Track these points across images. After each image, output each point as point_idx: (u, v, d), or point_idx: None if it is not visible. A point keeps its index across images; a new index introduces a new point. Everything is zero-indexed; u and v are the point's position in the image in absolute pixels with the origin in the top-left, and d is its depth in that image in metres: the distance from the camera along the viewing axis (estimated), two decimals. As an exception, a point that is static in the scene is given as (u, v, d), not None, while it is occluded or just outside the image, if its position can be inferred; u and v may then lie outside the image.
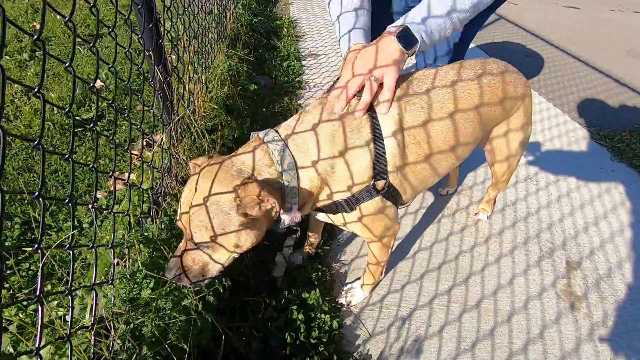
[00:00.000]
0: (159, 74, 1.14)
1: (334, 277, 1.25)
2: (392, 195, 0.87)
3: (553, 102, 2.62)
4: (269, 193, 0.72)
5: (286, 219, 0.81)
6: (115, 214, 0.86)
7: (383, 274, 1.16)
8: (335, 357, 1.00)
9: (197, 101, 1.46)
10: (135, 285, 0.77)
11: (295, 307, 1.05)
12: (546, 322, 1.18)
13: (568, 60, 3.48)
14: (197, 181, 0.75)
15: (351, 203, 0.84)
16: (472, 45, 3.46)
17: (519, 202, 1.66)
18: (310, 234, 1.27)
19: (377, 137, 0.82)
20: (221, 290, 0.95)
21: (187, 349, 0.80)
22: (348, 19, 1.01)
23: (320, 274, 1.20)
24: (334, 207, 0.86)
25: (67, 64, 0.65)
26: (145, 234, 0.88)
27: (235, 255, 0.80)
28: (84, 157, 1.65)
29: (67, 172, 1.53)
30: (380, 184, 0.84)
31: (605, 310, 1.23)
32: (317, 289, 1.10)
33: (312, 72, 2.65)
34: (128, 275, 0.78)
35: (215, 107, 1.53)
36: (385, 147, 0.82)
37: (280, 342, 0.99)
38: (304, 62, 2.77)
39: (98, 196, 1.34)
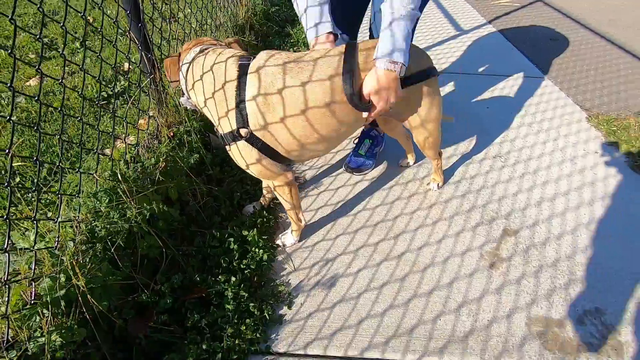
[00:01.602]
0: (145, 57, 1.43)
1: (279, 224, 1.48)
2: (260, 145, 1.07)
3: (560, 85, 2.55)
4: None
5: (183, 100, 1.20)
6: (102, 156, 1.17)
7: (302, 221, 1.35)
8: (258, 280, 1.23)
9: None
10: (97, 201, 1.07)
11: (233, 239, 1.30)
12: (459, 275, 1.30)
13: (600, 44, 3.29)
14: None
15: (225, 139, 1.09)
16: (493, 29, 3.41)
17: (478, 177, 1.74)
18: (264, 190, 1.50)
19: (239, 101, 1.03)
20: (172, 216, 1.23)
21: (133, 253, 1.09)
22: (314, 12, 1.19)
23: (265, 220, 1.43)
24: (220, 138, 1.12)
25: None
26: (115, 170, 1.18)
27: None
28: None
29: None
30: (243, 131, 1.05)
31: (524, 272, 1.31)
32: (256, 229, 1.34)
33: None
34: (92, 194, 1.08)
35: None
36: (247, 105, 1.03)
37: (216, 264, 1.24)
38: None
39: (107, 152, 1.69)
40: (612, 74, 2.77)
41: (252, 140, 1.07)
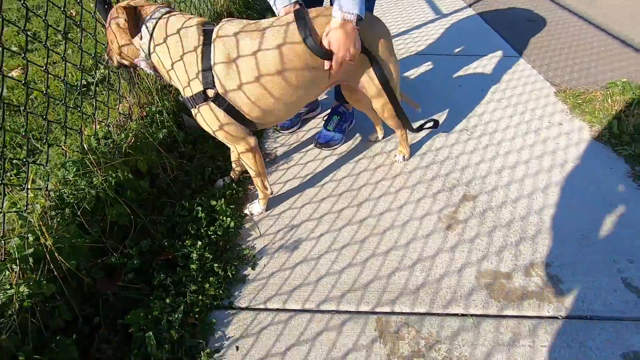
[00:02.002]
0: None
1: (248, 196, 1.55)
2: (226, 106, 1.13)
3: (533, 63, 2.61)
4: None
5: (142, 63, 1.18)
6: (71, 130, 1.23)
7: (268, 189, 1.41)
8: (224, 244, 1.30)
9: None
10: (66, 171, 1.14)
11: (201, 208, 1.36)
12: (416, 237, 1.37)
13: (577, 24, 3.33)
14: None
15: (192, 102, 1.13)
16: (472, 13, 3.46)
17: (444, 149, 1.80)
18: (234, 164, 1.57)
19: (205, 64, 1.09)
20: (141, 187, 1.30)
21: (102, 220, 1.16)
22: None
23: (234, 192, 1.50)
24: (187, 101, 1.16)
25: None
26: (84, 144, 1.24)
27: None
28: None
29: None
30: (210, 92, 1.11)
31: (478, 232, 1.38)
32: (224, 199, 1.41)
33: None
34: (61, 164, 1.14)
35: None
36: (213, 68, 1.09)
37: (184, 232, 1.31)
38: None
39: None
40: (584, 51, 2.82)
41: (218, 101, 1.14)
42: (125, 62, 1.24)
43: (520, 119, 2.01)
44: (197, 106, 1.15)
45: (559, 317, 1.12)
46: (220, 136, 1.22)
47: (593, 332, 1.08)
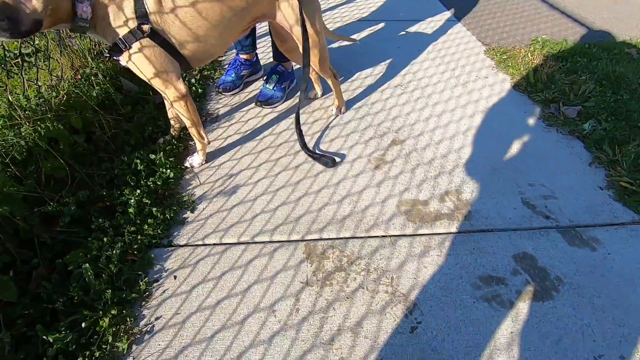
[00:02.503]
0: None
1: (188, 151, 1.60)
2: (161, 40, 1.18)
3: (468, 26, 2.76)
4: None
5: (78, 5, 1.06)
6: None
7: (205, 139, 1.48)
8: (163, 192, 1.36)
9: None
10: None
11: (139, 161, 1.41)
12: (347, 177, 1.48)
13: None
14: None
15: (125, 42, 1.14)
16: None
17: (378, 102, 1.92)
18: (172, 121, 1.61)
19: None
20: (76, 142, 1.33)
21: (37, 172, 1.19)
22: None
23: (174, 147, 1.55)
24: (119, 45, 1.15)
25: None
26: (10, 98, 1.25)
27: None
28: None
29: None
30: (145, 27, 1.15)
31: (403, 169, 1.52)
32: (162, 153, 1.46)
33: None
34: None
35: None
36: (145, 2, 1.13)
37: (124, 183, 1.36)
38: None
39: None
40: (515, 14, 3.01)
41: (153, 36, 1.17)
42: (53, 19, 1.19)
43: (451, 75, 2.16)
44: (132, 45, 1.16)
45: (466, 231, 1.28)
46: (154, 79, 1.25)
47: (492, 240, 1.25)
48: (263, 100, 1.83)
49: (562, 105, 1.87)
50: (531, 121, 1.80)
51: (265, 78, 1.91)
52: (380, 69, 2.19)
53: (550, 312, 1.06)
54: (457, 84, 2.07)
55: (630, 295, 1.10)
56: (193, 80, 1.95)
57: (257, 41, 2.00)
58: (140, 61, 1.20)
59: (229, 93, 1.94)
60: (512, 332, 1.01)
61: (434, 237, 1.26)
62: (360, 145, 1.64)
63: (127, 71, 1.67)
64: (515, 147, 1.64)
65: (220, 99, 1.93)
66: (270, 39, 1.82)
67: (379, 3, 3.11)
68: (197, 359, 0.95)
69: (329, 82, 1.71)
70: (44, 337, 0.92)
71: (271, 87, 1.85)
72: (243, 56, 1.95)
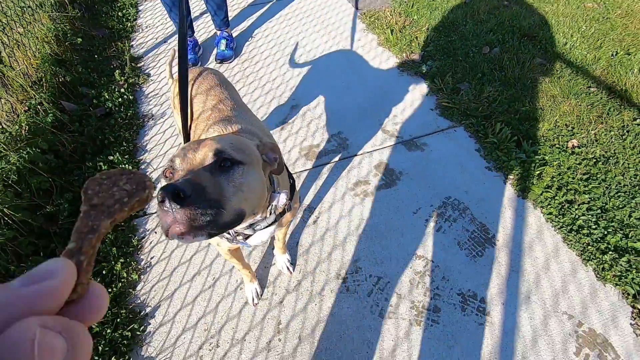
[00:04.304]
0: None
1: (137, 148, 2.06)
2: None
3: (344, -5, 3.29)
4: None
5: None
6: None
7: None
8: (128, 181, 1.84)
9: (22, 62, 2.10)
10: (-16, 159, 1.55)
11: (102, 163, 1.86)
12: (262, 140, 2.05)
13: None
14: None
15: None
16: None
17: (278, 77, 2.45)
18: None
19: None
20: (48, 159, 1.74)
21: (29, 188, 1.61)
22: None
23: (125, 148, 2.00)
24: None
25: None
26: (-12, 139, 1.62)
27: None
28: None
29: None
30: None
31: (301, 126, 2.11)
32: (117, 153, 1.91)
33: (147, 15, 3.20)
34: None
35: (40, 62, 2.17)
36: None
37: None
38: (140, 7, 3.28)
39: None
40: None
41: None
42: None
43: (328, 37, 2.73)
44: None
45: (345, 158, 1.91)
46: None
47: (362, 160, 1.90)
48: (221, 59, 2.50)
49: (410, 53, 2.53)
50: (390, 70, 2.45)
51: (217, 43, 2.55)
52: (269, 40, 2.70)
53: (394, 193, 1.75)
54: (332, 45, 2.65)
55: (440, 171, 1.82)
56: (122, 90, 2.33)
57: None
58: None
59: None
60: (374, 209, 1.68)
61: (325, 167, 1.88)
62: (268, 115, 2.19)
63: (63, 94, 2.07)
64: (378, 92, 2.29)
65: (150, 100, 2.35)
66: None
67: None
68: (183, 274, 1.52)
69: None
70: (81, 284, 1.43)
71: (223, 48, 2.45)
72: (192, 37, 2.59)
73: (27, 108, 1.97)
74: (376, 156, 1.91)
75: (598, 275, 1.44)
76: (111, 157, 1.90)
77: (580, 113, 2.03)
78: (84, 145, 1.99)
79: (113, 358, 1.27)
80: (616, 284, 1.41)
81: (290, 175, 1.09)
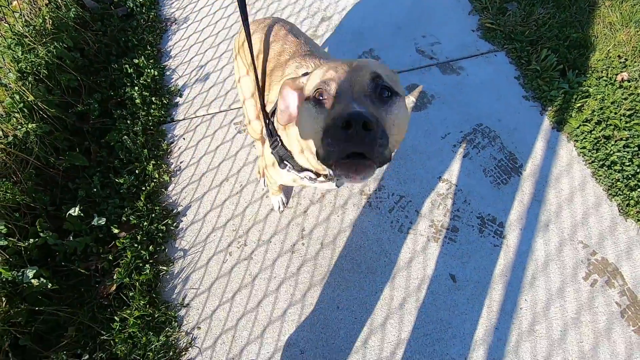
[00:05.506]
0: None
1: (162, 52, 2.00)
2: None
3: None
4: None
5: None
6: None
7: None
8: (155, 87, 1.82)
9: None
10: (13, 51, 1.53)
11: (128, 65, 1.82)
12: (289, 53, 1.95)
13: None
14: None
15: None
16: None
17: (308, -15, 2.25)
18: None
19: None
20: (75, 57, 1.71)
21: (59, 85, 1.61)
22: None
23: (150, 51, 1.94)
24: None
25: None
26: (15, 30, 1.58)
27: None
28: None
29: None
30: None
31: (331, 40, 1.99)
32: (143, 57, 1.86)
33: None
34: (6, 47, 1.52)
35: None
36: None
37: (122, 84, 1.80)
38: None
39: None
40: None
41: None
42: None
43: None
44: None
45: (375, 77, 1.83)
46: None
47: (393, 80, 1.81)
48: None
49: (457, -36, 2.26)
50: (432, -17, 2.22)
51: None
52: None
53: (424, 116, 1.70)
54: None
55: (474, 97, 1.75)
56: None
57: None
58: None
59: None
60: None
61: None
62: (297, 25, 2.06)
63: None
64: (416, 9, 2.10)
65: (172, 3, 2.22)
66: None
67: None
68: (212, 179, 1.57)
69: None
70: (115, 180, 1.50)
71: None
72: None
73: (47, 1, 1.88)
74: (408, 77, 1.83)
75: (621, 211, 1.45)
76: (136, 61, 1.85)
77: (637, 44, 1.85)
78: (107, 46, 1.93)
79: (151, 247, 1.38)
80: (638, 220, 1.42)
81: None
